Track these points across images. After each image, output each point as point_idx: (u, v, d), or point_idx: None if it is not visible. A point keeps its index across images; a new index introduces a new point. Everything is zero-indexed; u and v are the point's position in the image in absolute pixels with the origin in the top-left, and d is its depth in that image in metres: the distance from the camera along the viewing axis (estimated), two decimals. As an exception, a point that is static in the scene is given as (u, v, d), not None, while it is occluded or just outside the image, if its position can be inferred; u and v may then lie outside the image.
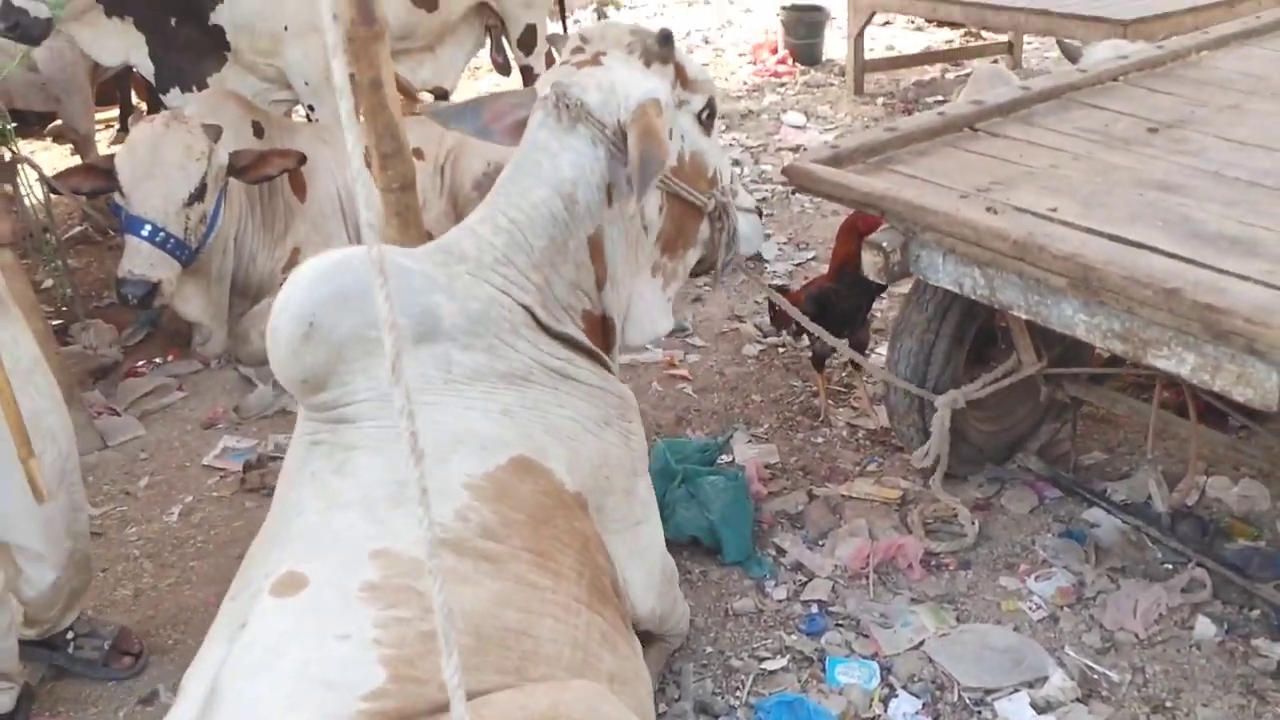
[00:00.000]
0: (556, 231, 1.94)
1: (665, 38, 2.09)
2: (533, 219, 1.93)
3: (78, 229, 5.07)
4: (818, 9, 8.04)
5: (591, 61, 2.04)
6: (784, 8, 8.10)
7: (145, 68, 4.00)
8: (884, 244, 2.32)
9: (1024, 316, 2.22)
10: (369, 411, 1.70)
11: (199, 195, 3.46)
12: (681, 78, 2.13)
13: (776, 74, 7.50)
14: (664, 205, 2.12)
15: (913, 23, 8.55)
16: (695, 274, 2.42)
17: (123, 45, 3.91)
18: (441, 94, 5.26)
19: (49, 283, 4.30)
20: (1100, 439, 3.12)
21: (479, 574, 1.55)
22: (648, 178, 1.87)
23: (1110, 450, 3.08)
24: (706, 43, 8.84)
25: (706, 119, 2.19)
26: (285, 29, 4.18)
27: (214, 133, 3.54)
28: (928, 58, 7.37)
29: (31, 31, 3.43)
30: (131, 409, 3.61)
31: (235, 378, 3.81)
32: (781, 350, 3.70)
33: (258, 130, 3.83)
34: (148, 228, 3.42)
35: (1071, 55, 3.59)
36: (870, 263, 2.36)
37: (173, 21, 3.95)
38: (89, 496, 2.72)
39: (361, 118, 2.52)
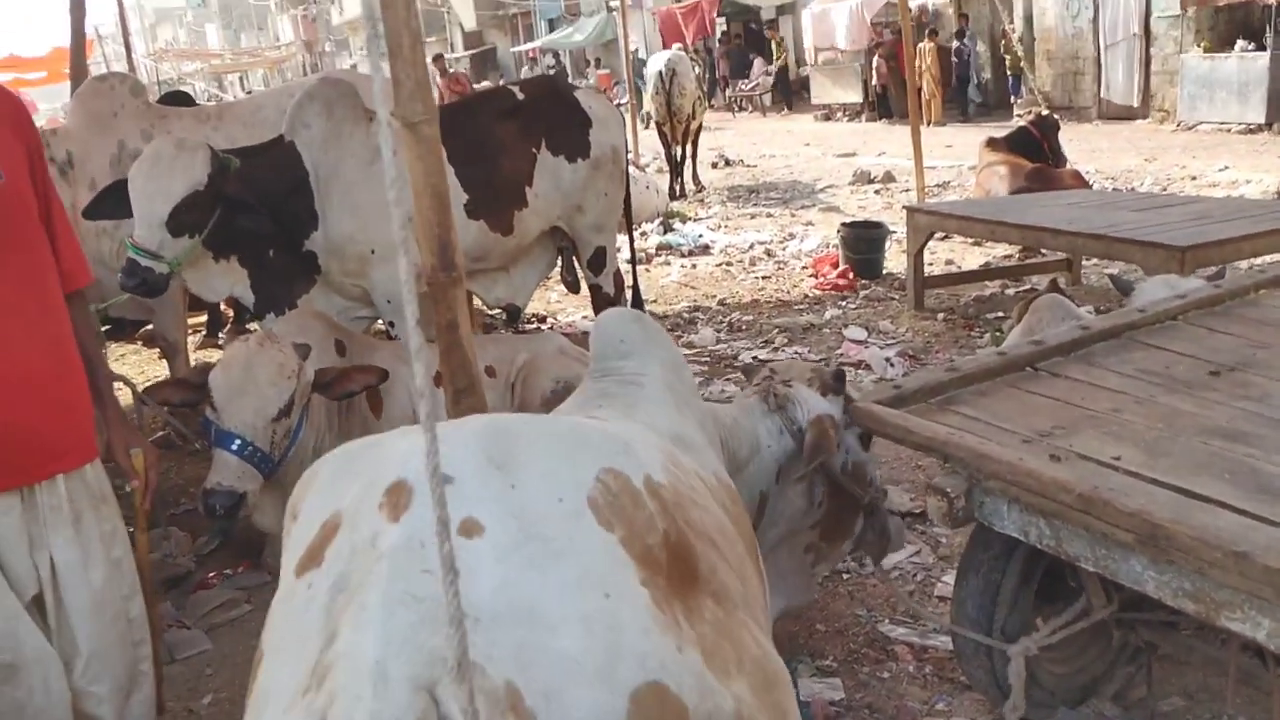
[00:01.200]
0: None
1: (839, 376, 2.90)
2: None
3: (159, 434, 5.27)
4: (878, 225, 8.31)
5: (783, 385, 2.82)
6: (845, 224, 8.38)
7: (247, 298, 4.27)
8: (948, 489, 2.34)
9: (1093, 569, 2.21)
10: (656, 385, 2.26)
11: (287, 411, 3.61)
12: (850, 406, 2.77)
13: (838, 287, 7.70)
14: (824, 500, 2.75)
15: (966, 236, 8.78)
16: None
17: (228, 282, 4.21)
18: (514, 310, 5.48)
19: (128, 488, 4.45)
20: (1178, 683, 3.02)
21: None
22: (813, 458, 2.61)
23: (1189, 696, 2.97)
24: (769, 255, 9.14)
25: (865, 439, 2.81)
26: (372, 252, 4.44)
27: (304, 351, 3.72)
28: (987, 274, 7.53)
29: (155, 287, 3.80)
30: (200, 622, 3.66)
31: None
32: (846, 577, 3.67)
33: (340, 348, 4.01)
34: (237, 442, 3.55)
35: (1123, 289, 3.66)
36: (935, 508, 2.38)
37: (271, 253, 4.22)
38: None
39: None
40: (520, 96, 5.13)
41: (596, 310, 5.47)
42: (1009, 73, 18.73)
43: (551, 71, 30.71)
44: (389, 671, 1.18)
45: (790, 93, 24.83)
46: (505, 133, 4.93)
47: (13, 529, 2.18)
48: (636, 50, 22.09)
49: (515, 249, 5.09)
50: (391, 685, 1.17)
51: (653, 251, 9.56)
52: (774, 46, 24.99)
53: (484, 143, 4.89)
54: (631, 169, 9.76)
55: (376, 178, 4.51)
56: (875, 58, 20.23)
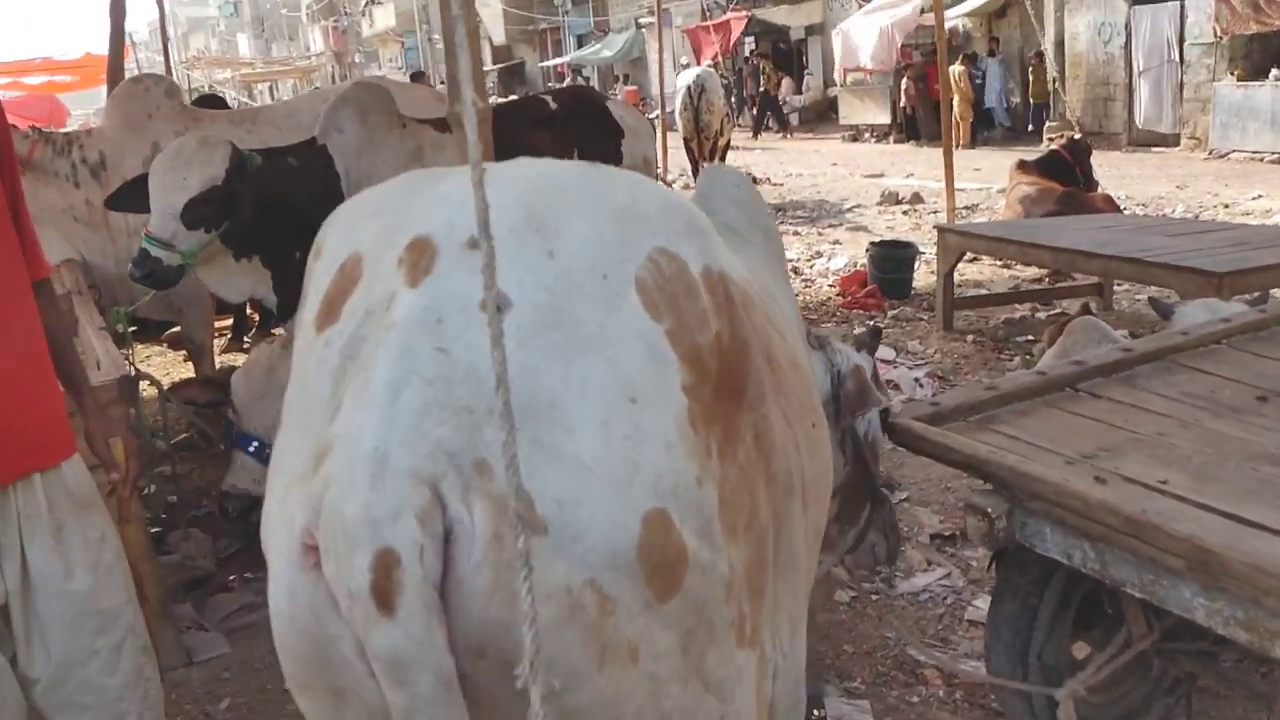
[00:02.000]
0: None
1: (875, 333, 2.93)
2: None
3: (183, 435, 5.25)
4: (908, 245, 8.25)
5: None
6: (873, 243, 8.32)
7: (269, 300, 4.23)
8: (989, 509, 2.29)
9: (1139, 595, 2.14)
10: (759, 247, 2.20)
11: None
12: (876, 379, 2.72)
13: (865, 306, 7.64)
14: (849, 463, 2.60)
15: (1000, 259, 8.71)
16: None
17: (249, 282, 4.16)
18: None
19: (152, 488, 4.43)
20: (1218, 716, 2.94)
21: None
22: (857, 407, 2.56)
23: (1229, 729, 2.89)
24: (796, 273, 9.09)
25: (884, 419, 2.65)
26: None
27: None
28: (1017, 297, 7.46)
29: (165, 278, 3.73)
30: (219, 625, 3.63)
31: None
32: (875, 598, 3.61)
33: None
34: (255, 444, 3.54)
35: (1163, 312, 3.60)
36: (974, 528, 2.32)
37: (297, 255, 4.20)
38: (168, 715, 2.70)
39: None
40: (553, 106, 5.14)
41: None
42: (1031, 99, 18.62)
43: (586, 83, 30.83)
44: (389, 460, 1.08)
45: (779, 119, 24.62)
46: (538, 142, 4.90)
47: None
48: (687, 63, 22.04)
49: None
50: (390, 476, 1.08)
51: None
52: (764, 72, 24.62)
53: (516, 152, 4.86)
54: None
55: None
56: (904, 79, 20.18)
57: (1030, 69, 18.34)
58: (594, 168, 1.47)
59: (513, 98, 6.34)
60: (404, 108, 5.02)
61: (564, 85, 13.41)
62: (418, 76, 19.30)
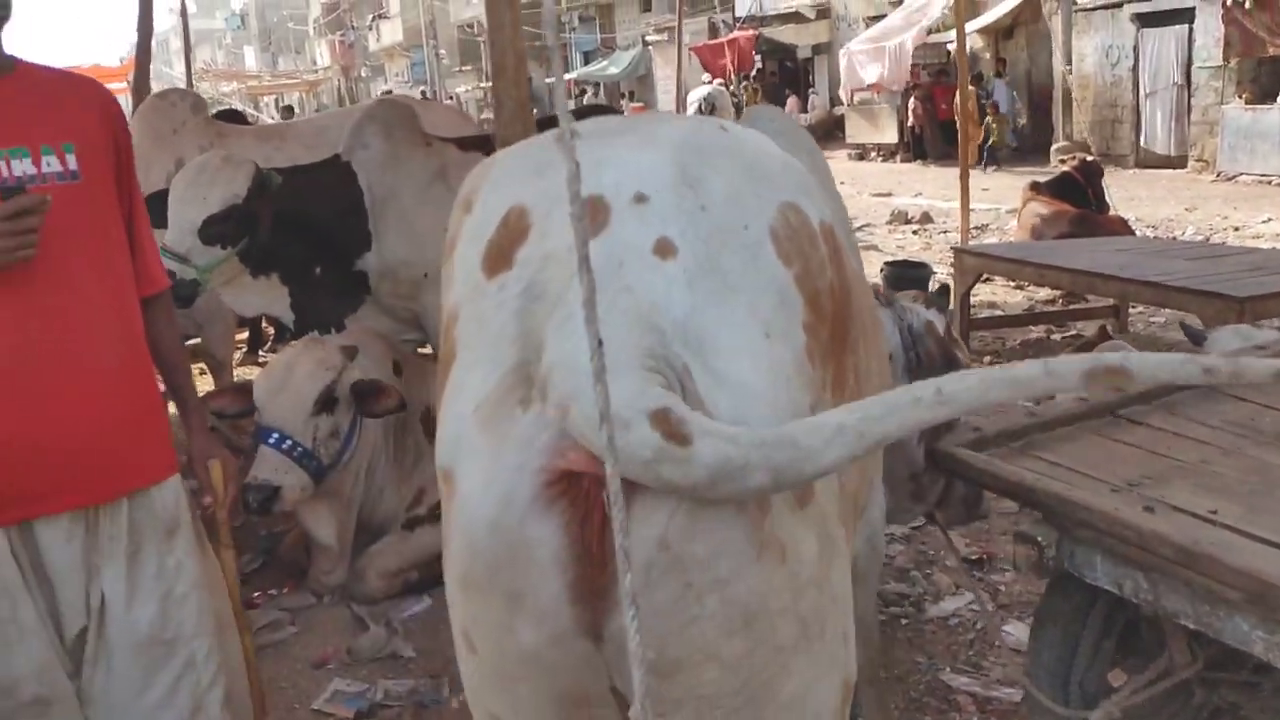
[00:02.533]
0: None
1: (944, 290, 3.17)
2: None
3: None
4: (922, 265, 8.25)
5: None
6: (887, 264, 8.32)
7: (286, 317, 4.22)
8: (1038, 537, 2.28)
9: (1193, 627, 2.13)
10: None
11: (326, 406, 3.59)
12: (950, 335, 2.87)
13: (880, 327, 7.63)
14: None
15: (1012, 280, 8.71)
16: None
17: (265, 299, 4.15)
18: None
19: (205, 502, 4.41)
20: (1255, 746, 2.92)
21: None
22: (944, 365, 2.72)
23: (1268, 760, 2.87)
24: (808, 292, 9.09)
25: None
26: (425, 276, 4.41)
27: (349, 353, 3.70)
28: (1033, 318, 7.46)
29: (179, 293, 3.72)
30: (246, 642, 3.61)
31: (348, 616, 3.81)
32: (905, 623, 3.59)
33: (396, 368, 3.99)
34: (275, 435, 3.55)
35: (1194, 337, 3.60)
36: (1022, 557, 2.31)
37: (317, 270, 4.20)
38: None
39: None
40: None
41: None
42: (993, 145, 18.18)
43: (593, 100, 30.91)
44: (620, 359, 1.22)
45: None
46: None
47: (72, 558, 2.02)
48: (709, 80, 22.04)
49: None
50: (628, 369, 1.23)
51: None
52: (749, 90, 24.39)
53: None
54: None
55: (433, 201, 4.49)
56: (911, 99, 20.24)
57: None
58: (720, 128, 1.63)
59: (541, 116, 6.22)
60: (427, 126, 5.03)
61: (583, 105, 13.31)
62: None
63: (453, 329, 1.51)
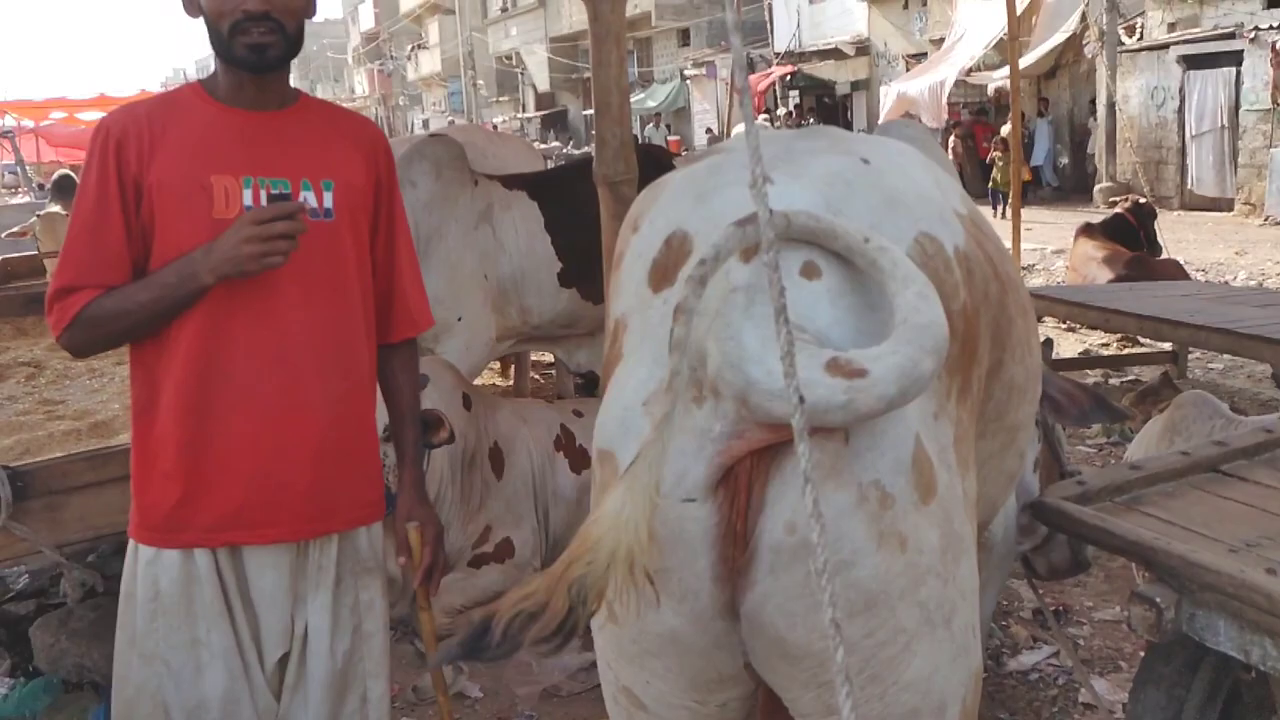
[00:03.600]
0: None
1: (1047, 343, 3.07)
2: None
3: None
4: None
5: None
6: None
7: None
8: (1157, 599, 2.20)
9: (1328, 698, 2.05)
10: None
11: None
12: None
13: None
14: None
15: (1064, 322, 8.60)
16: None
17: None
18: (594, 377, 5.28)
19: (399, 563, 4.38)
20: (1362, 818, 2.81)
21: None
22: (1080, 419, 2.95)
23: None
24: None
25: None
26: (459, 320, 4.38)
27: (421, 380, 3.65)
28: (1090, 362, 7.36)
29: None
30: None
31: (411, 652, 3.76)
32: (984, 676, 3.50)
33: (466, 402, 3.95)
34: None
35: (1290, 388, 3.51)
36: (1140, 618, 2.23)
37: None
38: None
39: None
40: None
41: None
42: (997, 185, 17.03)
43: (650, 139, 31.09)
44: (768, 365, 1.36)
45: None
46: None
47: (279, 585, 2.04)
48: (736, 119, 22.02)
49: (604, 317, 4.97)
50: (772, 375, 1.35)
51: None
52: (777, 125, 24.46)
53: (581, 212, 4.74)
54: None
55: (475, 244, 4.47)
56: (952, 137, 20.17)
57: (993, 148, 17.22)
58: (863, 160, 1.77)
59: (584, 151, 6.17)
60: (497, 158, 5.04)
61: (641, 144, 13.27)
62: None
63: (621, 334, 1.69)
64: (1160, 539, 2.26)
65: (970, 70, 20.08)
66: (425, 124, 47.32)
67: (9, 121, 24.88)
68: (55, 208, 7.21)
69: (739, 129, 13.84)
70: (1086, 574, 3.81)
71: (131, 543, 2.06)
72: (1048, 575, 3.22)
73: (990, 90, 20.87)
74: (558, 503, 3.96)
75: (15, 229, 7.03)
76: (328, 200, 2.00)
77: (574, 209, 4.78)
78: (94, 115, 27.81)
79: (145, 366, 1.99)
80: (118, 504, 2.90)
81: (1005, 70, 19.14)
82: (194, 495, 1.97)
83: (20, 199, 18.18)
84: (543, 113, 39.75)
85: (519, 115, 41.55)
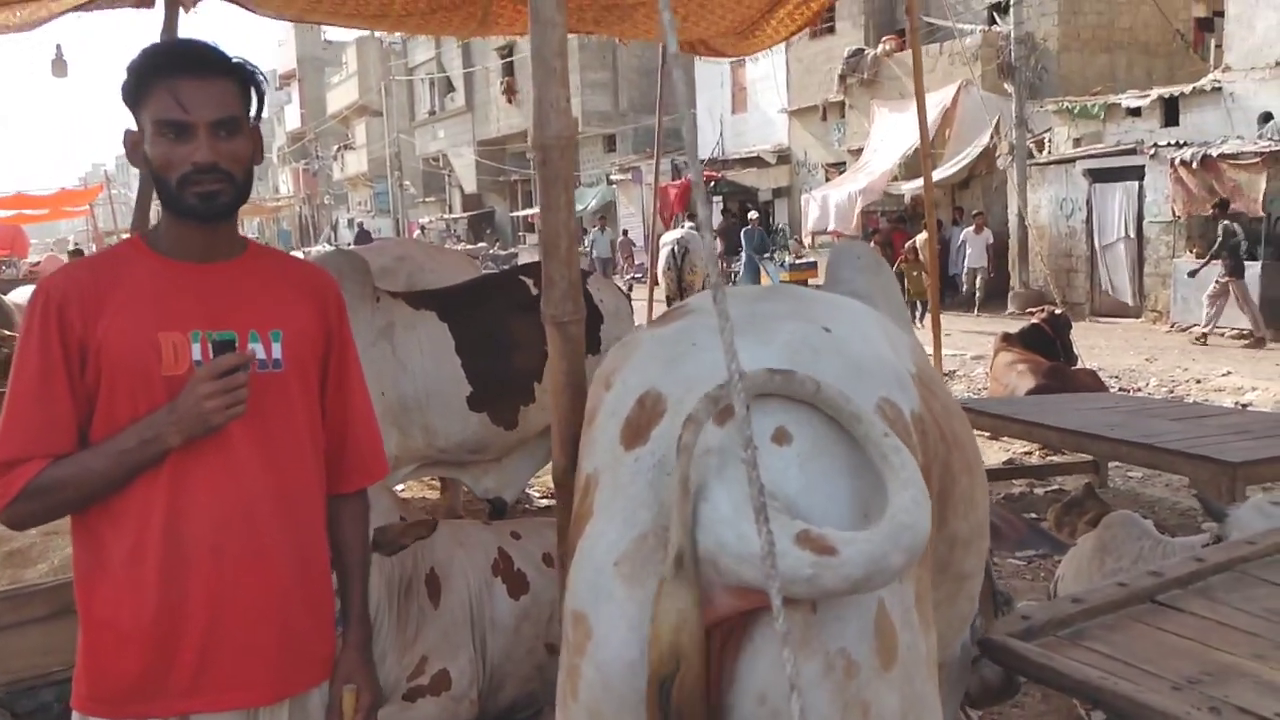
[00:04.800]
0: None
1: None
2: None
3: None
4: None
5: None
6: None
7: None
8: (1106, 742, 2.21)
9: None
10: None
11: None
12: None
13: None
14: None
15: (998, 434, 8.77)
16: None
17: None
18: (500, 504, 5.19)
19: None
20: None
21: None
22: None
23: None
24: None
25: None
26: None
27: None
28: (1014, 472, 7.50)
29: None
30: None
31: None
32: None
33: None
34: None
35: (1216, 514, 3.60)
36: (1091, 760, 2.24)
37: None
38: None
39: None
40: (535, 291, 4.83)
41: None
42: (910, 296, 17.45)
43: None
44: (740, 529, 1.43)
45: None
46: (517, 326, 4.75)
47: None
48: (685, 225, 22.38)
49: (516, 443, 4.92)
50: (743, 539, 1.42)
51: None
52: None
53: (494, 335, 4.77)
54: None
55: (371, 360, 4.38)
56: (871, 244, 20.74)
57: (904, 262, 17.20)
58: (824, 329, 1.86)
59: (488, 273, 6.07)
60: (435, 273, 5.01)
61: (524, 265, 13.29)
62: (364, 237, 19.21)
63: (592, 490, 1.73)
64: (1107, 679, 2.29)
65: (891, 179, 20.79)
66: (350, 223, 47.30)
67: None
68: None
69: (668, 235, 14.12)
70: (1023, 694, 3.82)
71: (76, 715, 1.94)
72: (981, 697, 3.19)
73: (907, 199, 21.60)
74: (495, 630, 3.87)
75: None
76: (276, 351, 1.97)
77: (487, 331, 4.73)
78: (9, 214, 27.37)
79: (89, 529, 1.90)
80: (40, 643, 2.78)
81: (918, 181, 19.99)
82: (156, 664, 1.87)
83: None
84: (470, 213, 40.04)
85: (445, 215, 41.80)
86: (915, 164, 20.30)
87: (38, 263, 25.10)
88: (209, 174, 1.87)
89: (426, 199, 44.50)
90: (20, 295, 10.08)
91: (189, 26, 5.09)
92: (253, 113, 1.95)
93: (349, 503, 2.15)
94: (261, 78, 1.99)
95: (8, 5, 4.90)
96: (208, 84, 1.87)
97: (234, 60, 1.93)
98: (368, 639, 2.14)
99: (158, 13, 5.16)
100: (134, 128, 1.93)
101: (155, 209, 2.38)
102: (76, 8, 5.39)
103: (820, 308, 2.02)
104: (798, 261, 20.80)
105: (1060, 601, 2.74)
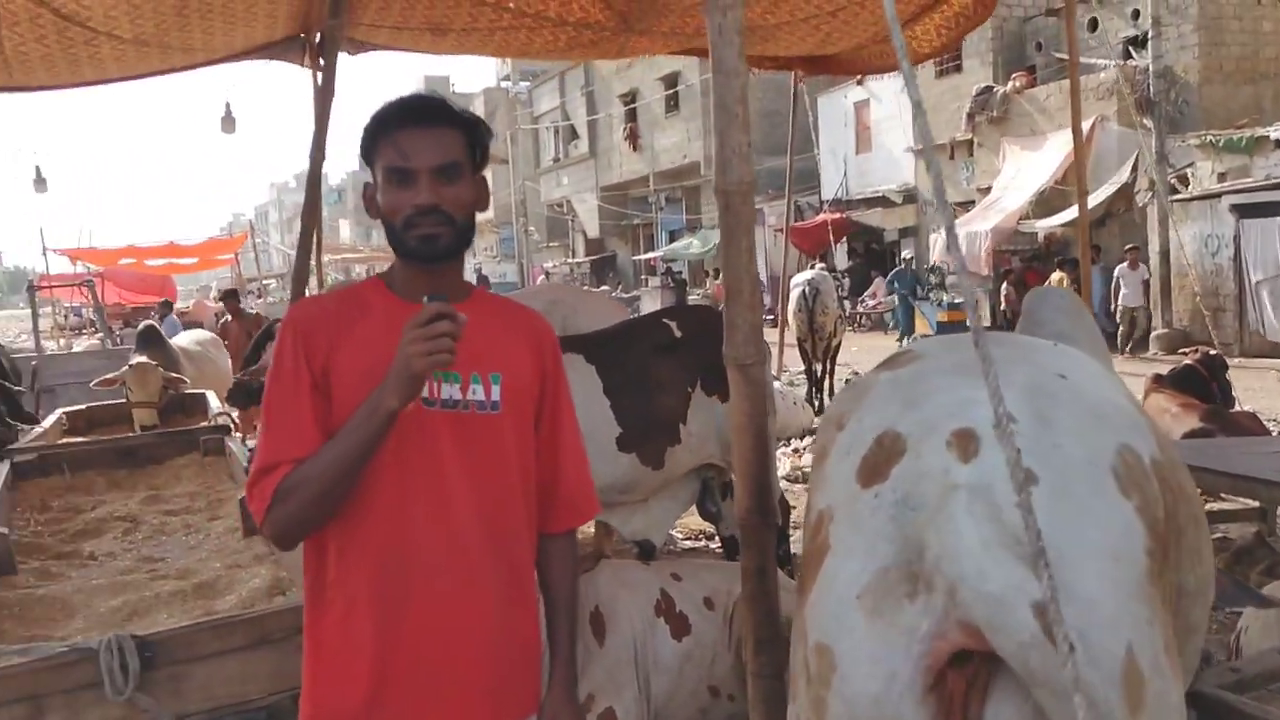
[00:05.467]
0: None
1: None
2: None
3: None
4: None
5: None
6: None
7: None
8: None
9: None
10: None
11: None
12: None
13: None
14: None
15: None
16: None
17: None
18: (649, 547, 5.21)
19: None
20: None
21: None
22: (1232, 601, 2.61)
23: None
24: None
25: None
26: None
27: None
28: (1175, 519, 7.19)
29: None
30: None
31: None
32: None
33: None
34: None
35: None
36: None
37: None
38: None
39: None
40: (678, 334, 5.05)
41: (729, 554, 5.25)
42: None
43: (677, 277, 31.51)
44: (997, 558, 1.48)
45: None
46: (662, 368, 4.87)
47: None
48: (813, 264, 22.32)
49: (661, 484, 4.96)
50: (1008, 562, 1.47)
51: (809, 470, 9.33)
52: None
53: (640, 377, 4.84)
54: (779, 385, 9.80)
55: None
56: (1004, 284, 20.28)
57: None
58: (1059, 375, 1.86)
59: (633, 318, 6.11)
60: (589, 314, 5.11)
61: (688, 306, 13.38)
62: (482, 282, 19.00)
63: (826, 525, 1.77)
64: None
65: (1020, 219, 20.34)
66: (476, 268, 48.48)
67: (80, 268, 25.84)
68: (142, 358, 7.38)
69: (798, 277, 14.02)
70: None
71: None
72: None
73: (1040, 238, 21.09)
74: (659, 671, 3.88)
75: (108, 375, 7.18)
76: (495, 393, 2.03)
77: (633, 373, 4.81)
78: (160, 262, 28.79)
79: (317, 559, 1.98)
80: (238, 673, 2.90)
81: (1057, 219, 19.51)
82: (377, 695, 1.93)
83: (88, 341, 18.69)
84: (592, 257, 40.64)
85: (569, 260, 42.49)
86: (1049, 202, 19.91)
87: (187, 309, 26.37)
88: (430, 216, 1.94)
89: (550, 244, 45.35)
90: (186, 339, 10.48)
91: (345, 74, 5.30)
92: (476, 161, 2.03)
93: (558, 542, 2.18)
94: (485, 129, 2.06)
95: (168, 49, 5.21)
96: (429, 132, 1.95)
97: (456, 111, 2.01)
98: (573, 679, 2.15)
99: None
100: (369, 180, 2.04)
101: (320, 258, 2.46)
102: (231, 58, 5.72)
103: (1047, 353, 2.02)
104: (958, 301, 19.72)
105: (1269, 654, 2.62)
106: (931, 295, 21.87)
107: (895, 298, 22.00)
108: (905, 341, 19.94)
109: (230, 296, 12.76)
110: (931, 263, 21.24)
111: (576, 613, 2.23)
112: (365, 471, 1.91)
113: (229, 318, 13.09)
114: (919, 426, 1.72)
